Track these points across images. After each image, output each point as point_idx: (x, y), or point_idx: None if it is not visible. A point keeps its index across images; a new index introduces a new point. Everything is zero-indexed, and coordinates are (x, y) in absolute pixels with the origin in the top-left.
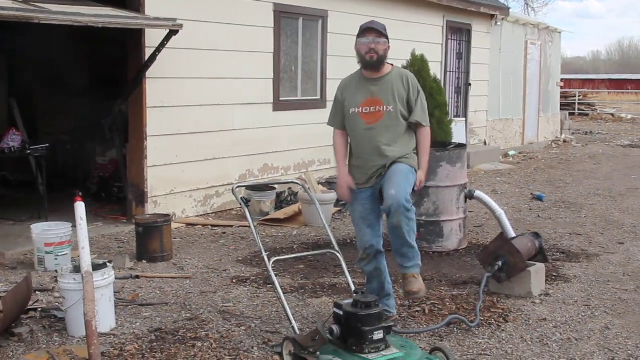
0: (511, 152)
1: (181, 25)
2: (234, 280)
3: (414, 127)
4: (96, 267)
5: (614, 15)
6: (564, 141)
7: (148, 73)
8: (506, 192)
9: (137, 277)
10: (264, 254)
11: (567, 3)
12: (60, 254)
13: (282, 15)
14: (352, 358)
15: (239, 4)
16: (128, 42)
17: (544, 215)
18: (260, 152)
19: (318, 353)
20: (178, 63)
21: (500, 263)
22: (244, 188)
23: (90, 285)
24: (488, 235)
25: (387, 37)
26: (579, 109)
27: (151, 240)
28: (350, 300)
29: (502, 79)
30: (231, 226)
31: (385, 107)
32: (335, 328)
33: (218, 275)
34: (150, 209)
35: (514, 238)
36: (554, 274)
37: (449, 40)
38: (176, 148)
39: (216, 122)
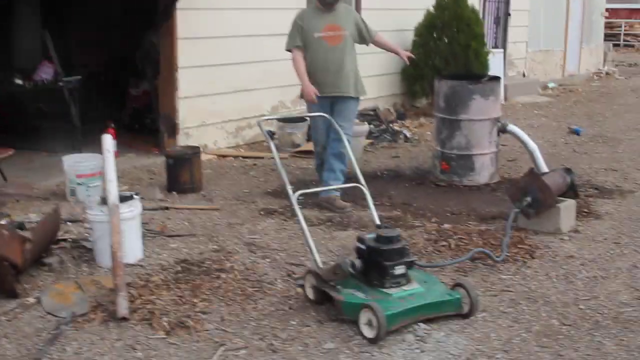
0: (550, 85)
1: None
2: (262, 212)
3: (371, 40)
4: (123, 199)
5: None
6: (607, 73)
7: (179, 4)
8: (543, 126)
9: (167, 208)
10: (288, 188)
11: None
12: (91, 186)
13: None
14: (373, 292)
15: None
16: None
17: (580, 150)
18: (291, 83)
19: (339, 287)
20: None
21: (529, 199)
22: (275, 120)
23: (116, 217)
24: (521, 169)
25: None
26: (624, 40)
27: (181, 172)
28: (373, 235)
29: (544, 9)
30: (262, 157)
31: (343, 31)
32: (357, 262)
33: (246, 207)
34: (182, 140)
35: (545, 173)
36: (585, 210)
37: None
38: (207, 79)
39: (247, 53)
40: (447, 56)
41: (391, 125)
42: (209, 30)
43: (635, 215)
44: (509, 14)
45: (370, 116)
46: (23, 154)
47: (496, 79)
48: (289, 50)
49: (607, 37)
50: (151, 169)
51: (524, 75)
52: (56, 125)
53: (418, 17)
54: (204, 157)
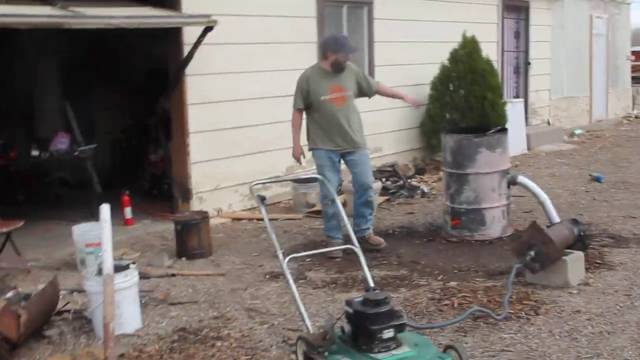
0: (577, 131)
1: (216, 21)
2: (267, 276)
3: (374, 92)
4: (119, 268)
5: None
6: (636, 117)
7: (188, 70)
8: (564, 174)
9: (173, 275)
10: (279, 252)
11: None
12: (100, 255)
13: (325, 3)
14: (361, 358)
15: None
16: (168, 40)
17: (600, 197)
18: (306, 143)
19: (327, 353)
20: (218, 58)
21: (533, 253)
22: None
23: (109, 287)
24: (538, 220)
25: None
26: None
27: (189, 238)
28: (360, 298)
29: (566, 56)
30: (276, 219)
31: (347, 92)
32: (346, 326)
33: (252, 271)
34: (196, 205)
35: (550, 226)
36: (598, 261)
37: (505, 19)
38: (220, 143)
39: (260, 115)
40: (464, 109)
41: (409, 180)
42: (220, 94)
43: None
44: (529, 63)
45: (389, 172)
46: (43, 223)
47: (503, 130)
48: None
49: (636, 80)
50: (164, 235)
51: (548, 124)
52: (78, 194)
53: (433, 71)
54: (217, 220)
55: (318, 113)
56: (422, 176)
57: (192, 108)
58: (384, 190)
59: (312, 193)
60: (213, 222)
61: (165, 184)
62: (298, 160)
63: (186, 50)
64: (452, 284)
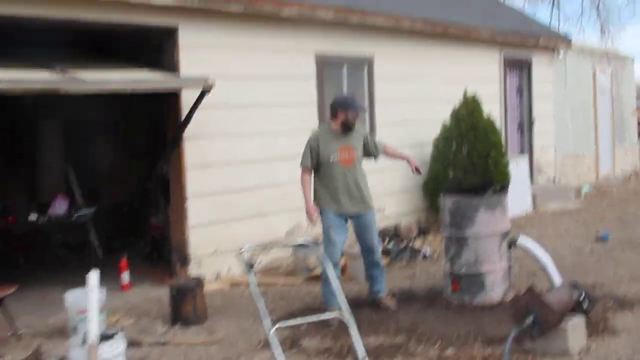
0: (584, 188)
1: (212, 84)
2: (261, 344)
3: (379, 154)
4: (105, 337)
5: None
6: None
7: (186, 133)
8: (570, 233)
9: (165, 343)
10: (266, 320)
11: None
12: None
13: (325, 64)
14: None
15: (278, 56)
16: (166, 102)
17: (606, 257)
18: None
19: None
20: (216, 120)
21: (530, 319)
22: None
23: (93, 358)
24: (542, 283)
25: None
26: None
27: (184, 304)
28: None
29: (570, 112)
30: (275, 284)
31: (355, 152)
32: None
33: (247, 339)
34: (194, 269)
35: (548, 291)
36: (601, 326)
37: (508, 75)
38: (219, 206)
39: (260, 178)
40: (467, 167)
41: (413, 242)
42: (218, 157)
43: None
44: (533, 120)
45: (391, 234)
46: (39, 287)
47: (503, 189)
48: (300, 167)
49: None
50: (162, 300)
51: (554, 181)
52: (79, 256)
53: (435, 129)
54: (215, 285)
55: (325, 174)
56: (425, 237)
57: (191, 171)
58: (385, 254)
59: (312, 257)
60: (211, 287)
61: (165, 247)
62: (311, 218)
63: (184, 112)
64: (449, 352)
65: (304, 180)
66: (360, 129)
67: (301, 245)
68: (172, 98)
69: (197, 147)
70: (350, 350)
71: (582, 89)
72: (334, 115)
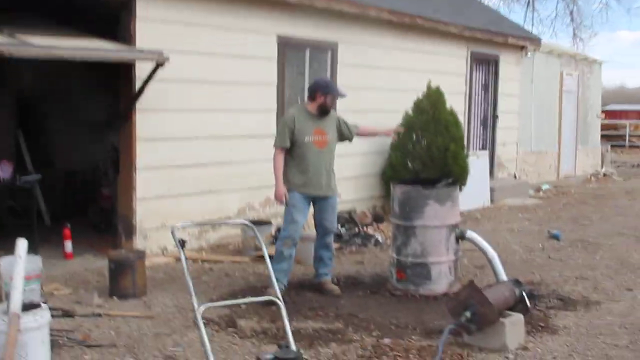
0: (544, 186)
1: (167, 58)
2: None
3: (354, 135)
4: (29, 307)
5: None
6: (604, 175)
7: (139, 105)
8: (523, 230)
9: (99, 315)
10: (194, 301)
11: (628, 32)
12: (26, 289)
13: (287, 46)
14: None
15: (239, 36)
16: (120, 74)
17: (556, 256)
18: (261, 185)
19: None
20: (172, 95)
21: (468, 314)
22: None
23: (13, 327)
24: (488, 277)
25: None
26: (629, 141)
27: (122, 277)
28: (270, 355)
29: (535, 111)
30: (222, 262)
31: (328, 135)
32: None
33: (183, 315)
34: (140, 242)
35: (490, 286)
36: (542, 324)
37: (474, 71)
38: (170, 181)
39: (213, 155)
40: (425, 159)
41: (366, 228)
42: (172, 131)
43: (595, 330)
44: (497, 116)
45: (345, 219)
46: None
47: (453, 184)
48: (275, 147)
49: (612, 138)
50: (103, 272)
51: (515, 177)
52: (25, 224)
53: (397, 119)
54: (161, 259)
55: (298, 154)
56: (379, 224)
57: (142, 144)
58: (338, 238)
59: (261, 236)
60: (157, 260)
61: (113, 218)
62: (281, 201)
63: (138, 85)
64: (386, 341)
65: (277, 159)
66: (334, 114)
67: (241, 224)
68: (126, 70)
69: (149, 120)
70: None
71: (548, 90)
72: (312, 97)
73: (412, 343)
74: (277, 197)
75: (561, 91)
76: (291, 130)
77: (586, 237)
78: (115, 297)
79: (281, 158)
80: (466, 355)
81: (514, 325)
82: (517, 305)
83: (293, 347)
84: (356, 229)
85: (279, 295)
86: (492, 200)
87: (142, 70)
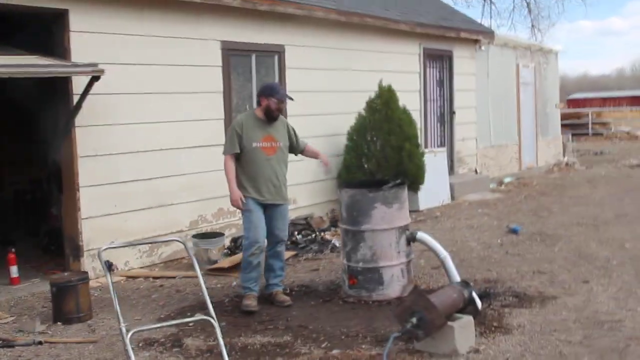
0: (506, 179)
1: (102, 71)
2: (141, 344)
3: (300, 151)
4: None
5: (639, 32)
6: (567, 164)
7: (79, 121)
8: (482, 226)
9: (40, 343)
10: (122, 326)
11: (588, 22)
12: None
13: (231, 53)
14: None
15: (181, 45)
16: (57, 89)
17: (513, 251)
18: (213, 196)
19: None
20: (113, 108)
21: (414, 320)
22: (191, 236)
23: None
24: (445, 277)
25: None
26: (592, 129)
27: (66, 301)
28: None
29: (492, 105)
30: (174, 277)
31: (278, 143)
32: None
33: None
34: (88, 262)
35: (436, 289)
36: (495, 323)
37: (428, 68)
38: (115, 197)
39: (160, 168)
40: (380, 159)
41: (323, 233)
42: (115, 146)
43: (550, 326)
44: (454, 112)
45: (302, 225)
46: None
47: (399, 185)
48: (224, 154)
49: (575, 127)
50: (49, 296)
51: (476, 172)
52: None
53: (350, 121)
54: (111, 279)
55: (247, 160)
56: (337, 229)
57: (83, 160)
58: (293, 245)
59: (213, 249)
60: (104, 280)
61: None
62: (238, 205)
63: (75, 100)
64: (335, 352)
65: (228, 167)
66: (286, 122)
67: (172, 240)
68: (60, 85)
69: (90, 135)
70: (234, 350)
71: (505, 82)
72: (258, 102)
73: (361, 353)
74: (233, 201)
75: (518, 83)
76: (239, 136)
77: (545, 230)
78: (59, 323)
79: (231, 164)
80: None
81: (463, 329)
82: (467, 307)
83: None
84: (313, 235)
85: (213, 314)
86: (452, 197)
87: (79, 84)
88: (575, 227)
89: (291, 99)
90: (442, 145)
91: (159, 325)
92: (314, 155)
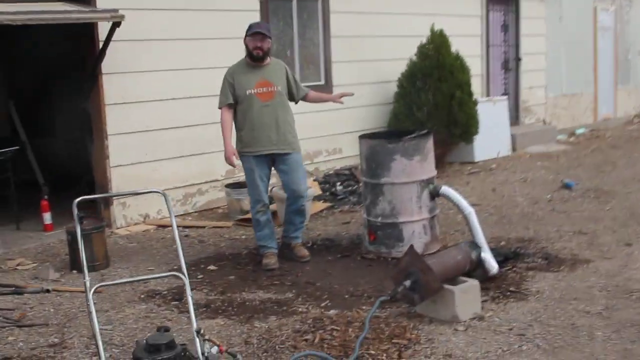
0: (578, 131)
1: (123, 16)
2: (143, 295)
3: (300, 98)
4: None
5: None
6: None
7: (105, 68)
8: (536, 180)
9: (47, 291)
10: (86, 280)
11: None
12: None
13: None
14: None
15: None
16: (82, 36)
17: (560, 209)
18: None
19: None
20: (143, 55)
21: (408, 282)
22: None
23: None
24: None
25: (270, 37)
26: None
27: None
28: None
29: (565, 51)
30: (203, 227)
31: (275, 87)
32: None
33: (133, 289)
34: (118, 211)
35: (437, 251)
36: (512, 288)
37: (491, 12)
38: (146, 145)
39: (193, 116)
40: (430, 108)
41: None
42: (145, 93)
43: (571, 294)
44: (520, 59)
45: (346, 175)
46: None
47: (424, 135)
48: (220, 109)
49: None
50: None
51: (544, 123)
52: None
53: (401, 68)
54: (140, 227)
55: (242, 109)
56: None
57: (111, 108)
58: (332, 196)
59: (245, 199)
60: (135, 229)
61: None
62: (231, 162)
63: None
64: (331, 312)
65: (224, 119)
66: (284, 65)
67: (153, 192)
68: (85, 31)
69: (118, 83)
70: (231, 306)
71: (580, 27)
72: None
73: (359, 314)
74: (227, 158)
75: (595, 28)
76: (231, 85)
77: (602, 186)
78: (74, 271)
79: (228, 117)
80: (411, 328)
81: (465, 293)
82: (476, 270)
83: (195, 325)
84: (355, 186)
85: (184, 271)
86: (514, 149)
87: (104, 32)
88: (636, 184)
89: (264, 33)
90: (505, 93)
91: (124, 280)
92: (320, 100)
